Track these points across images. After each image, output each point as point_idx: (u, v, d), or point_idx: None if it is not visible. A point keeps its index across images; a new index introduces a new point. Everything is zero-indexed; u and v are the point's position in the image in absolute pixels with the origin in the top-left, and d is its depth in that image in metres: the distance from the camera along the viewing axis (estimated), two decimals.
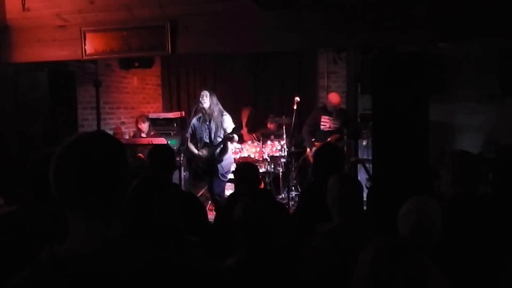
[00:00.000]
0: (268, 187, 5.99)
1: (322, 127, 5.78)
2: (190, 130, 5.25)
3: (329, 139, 5.63)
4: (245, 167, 3.42)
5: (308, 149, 5.91)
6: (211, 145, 5.09)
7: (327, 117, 5.80)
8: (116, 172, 1.06)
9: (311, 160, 5.77)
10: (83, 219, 1.03)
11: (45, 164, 1.70)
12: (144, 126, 6.33)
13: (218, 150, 5.09)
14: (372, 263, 1.44)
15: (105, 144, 1.07)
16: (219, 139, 5.03)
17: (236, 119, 5.35)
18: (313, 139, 5.81)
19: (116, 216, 1.07)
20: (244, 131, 6.55)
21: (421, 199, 2.01)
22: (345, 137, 5.86)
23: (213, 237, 2.86)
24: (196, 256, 1.74)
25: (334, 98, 5.79)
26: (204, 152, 5.11)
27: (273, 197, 3.88)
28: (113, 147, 1.08)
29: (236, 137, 5.06)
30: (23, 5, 4.34)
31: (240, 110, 6.87)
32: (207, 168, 5.18)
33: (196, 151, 5.20)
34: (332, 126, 5.75)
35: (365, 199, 3.51)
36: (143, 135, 6.33)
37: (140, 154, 6.01)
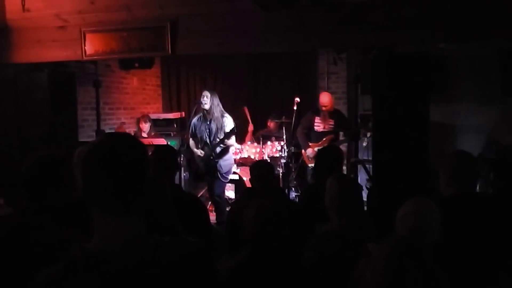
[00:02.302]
0: None
1: (316, 127, 5.73)
2: (191, 130, 5.26)
3: (324, 139, 5.60)
4: (262, 164, 3.49)
5: (303, 151, 5.87)
6: (210, 146, 5.10)
7: (320, 117, 5.75)
8: (142, 171, 1.11)
9: (306, 162, 5.75)
10: (110, 217, 1.07)
11: (39, 167, 1.72)
12: (146, 126, 6.33)
13: (217, 150, 5.09)
14: (387, 260, 1.46)
15: (131, 145, 1.12)
16: (219, 140, 5.04)
17: (236, 120, 5.35)
18: (308, 141, 5.77)
19: (140, 214, 1.11)
20: (251, 127, 6.52)
21: (418, 201, 2.01)
22: (341, 137, 5.84)
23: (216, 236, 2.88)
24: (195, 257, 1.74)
25: (321, 98, 5.66)
26: (203, 152, 5.13)
27: (285, 195, 3.90)
28: (138, 147, 1.14)
29: (230, 141, 5.06)
30: (23, 5, 4.34)
31: (240, 111, 6.80)
32: (207, 168, 5.18)
33: (196, 150, 5.22)
34: (326, 126, 5.70)
35: (365, 199, 3.51)
36: (144, 135, 6.33)
37: None
